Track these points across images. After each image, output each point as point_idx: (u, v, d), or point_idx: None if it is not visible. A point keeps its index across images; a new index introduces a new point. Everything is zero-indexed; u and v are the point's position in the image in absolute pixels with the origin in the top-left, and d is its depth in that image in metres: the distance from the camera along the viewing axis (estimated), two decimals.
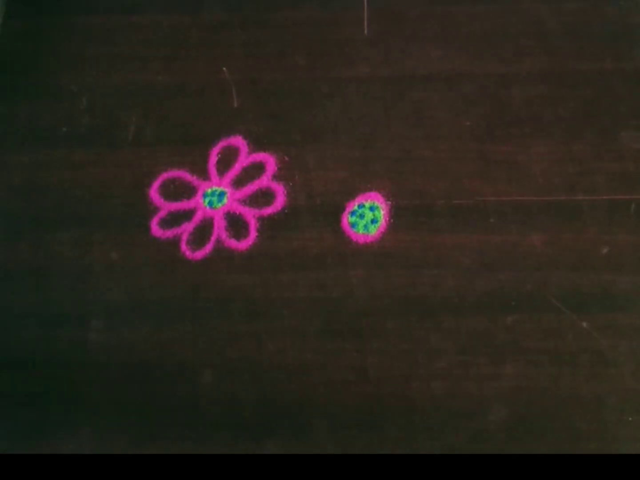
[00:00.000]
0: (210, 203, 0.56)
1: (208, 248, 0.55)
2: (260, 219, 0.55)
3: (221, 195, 0.56)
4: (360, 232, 0.54)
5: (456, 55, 0.59)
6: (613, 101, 0.57)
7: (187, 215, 0.56)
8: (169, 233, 0.55)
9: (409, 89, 0.58)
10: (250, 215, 0.55)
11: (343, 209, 0.55)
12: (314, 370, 0.51)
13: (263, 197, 0.56)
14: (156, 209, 0.56)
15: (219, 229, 0.55)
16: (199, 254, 0.55)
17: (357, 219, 0.54)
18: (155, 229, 0.55)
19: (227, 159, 0.57)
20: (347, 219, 0.55)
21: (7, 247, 0.56)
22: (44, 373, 0.53)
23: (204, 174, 0.57)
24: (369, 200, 0.55)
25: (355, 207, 0.55)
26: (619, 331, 0.51)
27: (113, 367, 0.52)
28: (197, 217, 0.56)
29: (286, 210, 0.55)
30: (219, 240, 0.55)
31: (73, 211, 0.57)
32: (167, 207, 0.56)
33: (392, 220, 0.54)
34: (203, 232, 0.55)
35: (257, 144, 0.57)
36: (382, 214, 0.55)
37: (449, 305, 0.52)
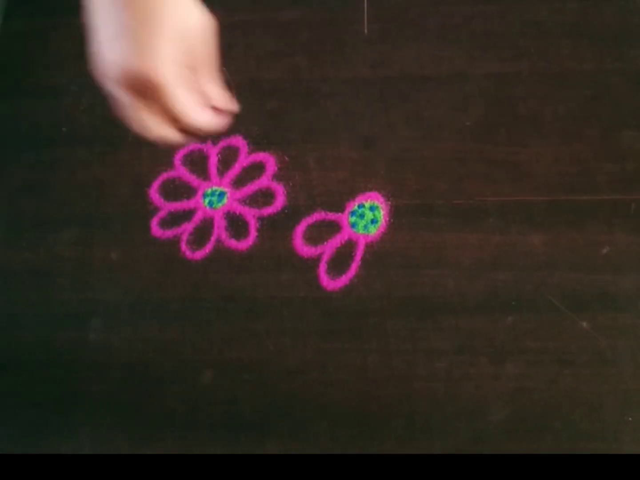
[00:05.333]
0: (210, 203, 0.56)
1: (208, 248, 0.55)
2: (260, 219, 0.55)
3: (221, 195, 0.56)
4: (360, 232, 0.54)
5: (456, 55, 0.59)
6: (613, 101, 0.57)
7: (187, 215, 0.56)
8: (169, 233, 0.55)
9: (409, 89, 0.58)
10: (250, 215, 0.55)
11: (343, 209, 0.55)
12: (314, 370, 0.51)
13: (263, 197, 0.56)
14: (156, 209, 0.56)
15: (219, 229, 0.55)
16: (199, 254, 0.55)
17: (357, 219, 0.55)
18: (155, 229, 0.55)
19: (227, 159, 0.57)
20: (347, 219, 0.55)
21: (8, 247, 0.56)
22: (44, 373, 0.53)
23: (204, 174, 0.57)
24: (369, 200, 0.55)
25: (355, 207, 0.55)
26: (619, 331, 0.51)
27: (113, 367, 0.52)
28: (197, 217, 0.56)
29: (286, 210, 0.55)
30: (219, 240, 0.55)
31: (73, 211, 0.57)
32: (167, 207, 0.56)
33: (392, 220, 0.54)
34: (203, 232, 0.55)
35: (257, 144, 0.57)
36: (382, 214, 0.55)
37: (449, 305, 0.52)
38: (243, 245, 0.55)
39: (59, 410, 0.52)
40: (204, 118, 0.46)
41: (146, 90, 0.45)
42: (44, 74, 0.61)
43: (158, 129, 0.46)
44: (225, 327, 0.53)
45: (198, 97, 0.46)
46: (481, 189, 0.55)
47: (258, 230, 0.55)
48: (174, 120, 0.46)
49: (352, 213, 0.55)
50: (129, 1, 0.44)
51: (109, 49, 0.45)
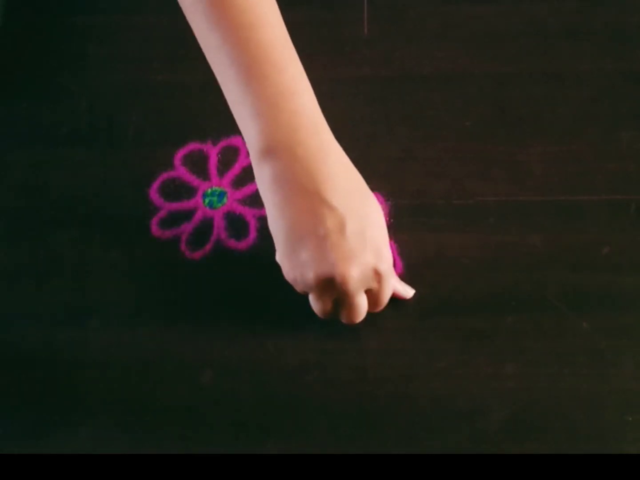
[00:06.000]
0: (210, 203, 0.56)
1: (208, 248, 0.55)
2: (260, 219, 0.55)
3: (221, 195, 0.56)
4: None
5: (456, 55, 0.59)
6: (613, 101, 0.57)
7: (187, 215, 0.56)
8: (168, 233, 0.55)
9: (409, 89, 0.58)
10: (250, 215, 0.55)
11: None
12: (314, 370, 0.51)
13: None
14: (156, 209, 0.56)
15: (219, 229, 0.55)
16: (199, 254, 0.55)
17: None
18: (155, 229, 0.55)
19: (227, 159, 0.57)
20: None
21: (7, 247, 0.56)
22: (44, 373, 0.53)
23: (204, 174, 0.57)
24: None
25: None
26: (619, 331, 0.51)
27: (113, 367, 0.52)
28: (197, 217, 0.56)
29: None
30: (218, 240, 0.55)
31: (73, 211, 0.57)
32: (167, 207, 0.56)
33: (392, 220, 0.54)
34: (203, 232, 0.55)
35: None
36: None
37: (449, 305, 0.52)
38: (243, 245, 0.55)
39: (59, 410, 0.52)
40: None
41: (331, 293, 0.45)
42: (44, 74, 0.61)
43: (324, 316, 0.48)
44: (225, 327, 0.53)
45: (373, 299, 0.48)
46: (481, 189, 0.55)
47: (258, 230, 0.55)
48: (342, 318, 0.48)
49: None
50: (335, 205, 0.44)
51: (304, 254, 0.44)
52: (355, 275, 0.44)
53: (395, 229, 0.54)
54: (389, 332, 0.52)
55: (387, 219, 0.54)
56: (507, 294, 0.52)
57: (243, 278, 0.54)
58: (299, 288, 0.47)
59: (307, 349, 0.52)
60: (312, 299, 0.47)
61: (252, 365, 0.52)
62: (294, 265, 0.45)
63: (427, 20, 0.61)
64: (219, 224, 0.55)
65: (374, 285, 0.46)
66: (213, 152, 0.57)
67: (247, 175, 0.56)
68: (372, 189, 0.55)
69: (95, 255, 0.55)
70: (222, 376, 0.52)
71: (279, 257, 0.46)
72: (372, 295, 0.47)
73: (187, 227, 0.55)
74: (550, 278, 0.52)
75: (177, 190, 0.57)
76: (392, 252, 0.53)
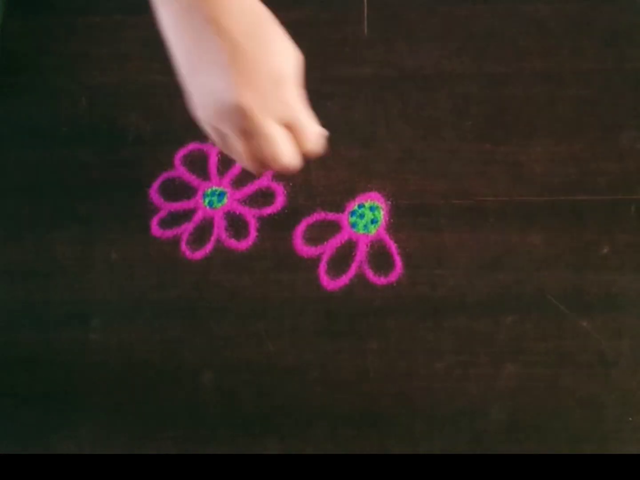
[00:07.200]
0: (210, 203, 0.56)
1: (208, 248, 0.55)
2: (260, 219, 0.55)
3: (221, 195, 0.56)
4: (360, 232, 0.54)
5: (456, 55, 0.59)
6: (613, 101, 0.57)
7: (187, 215, 0.56)
8: (169, 233, 0.55)
9: (409, 89, 0.58)
10: (250, 215, 0.55)
11: (343, 209, 0.55)
12: (314, 370, 0.51)
13: (263, 197, 0.56)
14: (156, 209, 0.56)
15: (219, 229, 0.55)
16: (199, 254, 0.55)
17: (357, 219, 0.55)
18: (155, 229, 0.55)
19: (227, 159, 0.57)
20: (347, 219, 0.55)
21: (7, 247, 0.56)
22: (44, 373, 0.53)
23: (204, 174, 0.57)
24: (369, 200, 0.55)
25: (355, 207, 0.55)
26: (619, 331, 0.51)
27: (113, 367, 0.52)
28: (197, 217, 0.56)
29: (286, 210, 0.55)
30: (219, 240, 0.55)
31: (73, 211, 0.57)
32: (167, 207, 0.56)
33: (392, 220, 0.54)
34: (203, 232, 0.55)
35: None
36: (382, 214, 0.55)
37: (449, 305, 0.52)
38: (243, 245, 0.55)
39: (59, 410, 0.52)
40: (291, 159, 0.45)
41: (240, 126, 0.42)
42: (43, 74, 0.61)
43: (249, 164, 0.45)
44: (225, 327, 0.53)
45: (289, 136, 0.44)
46: (481, 189, 0.55)
47: (258, 230, 0.55)
48: (263, 158, 0.44)
49: (352, 213, 0.55)
50: (224, 30, 0.41)
51: (202, 82, 0.42)
52: (249, 99, 0.41)
53: (395, 229, 0.54)
54: (389, 332, 0.52)
55: (387, 218, 0.54)
56: (507, 294, 0.52)
57: (243, 278, 0.54)
58: (207, 122, 0.44)
59: (307, 349, 0.52)
60: (227, 137, 0.44)
61: (252, 365, 0.52)
62: (196, 92, 0.43)
63: (427, 20, 0.61)
64: (219, 224, 0.55)
65: (284, 114, 0.43)
66: (213, 152, 0.57)
67: (247, 175, 0.56)
68: (372, 189, 0.56)
69: (95, 255, 0.55)
70: (222, 376, 0.52)
71: (186, 88, 0.44)
72: (292, 130, 0.44)
73: (187, 227, 0.55)
74: (550, 278, 0.52)
75: (177, 190, 0.57)
76: (392, 252, 0.53)
